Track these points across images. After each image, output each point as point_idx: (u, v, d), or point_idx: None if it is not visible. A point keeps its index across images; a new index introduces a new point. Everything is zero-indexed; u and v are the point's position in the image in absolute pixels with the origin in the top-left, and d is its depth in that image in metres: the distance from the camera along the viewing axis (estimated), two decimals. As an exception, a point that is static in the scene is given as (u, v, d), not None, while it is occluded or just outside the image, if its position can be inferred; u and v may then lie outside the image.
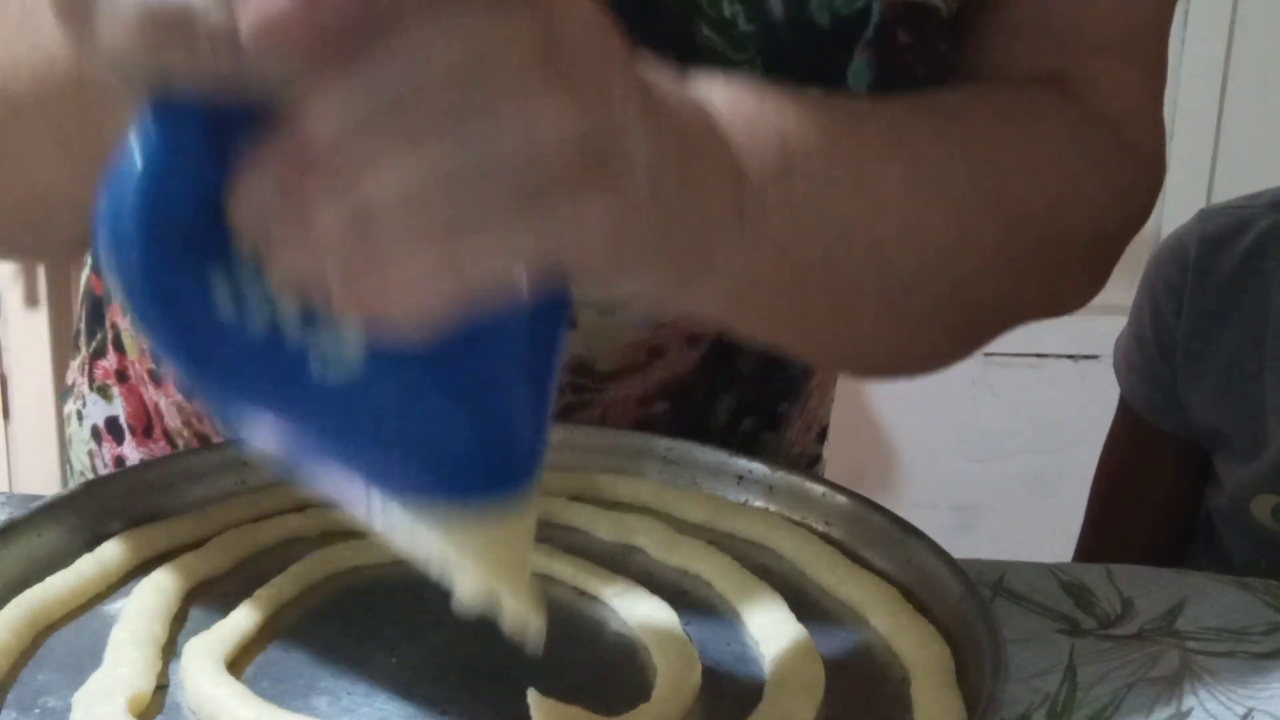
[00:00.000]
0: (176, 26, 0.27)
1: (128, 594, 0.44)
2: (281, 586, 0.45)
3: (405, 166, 0.27)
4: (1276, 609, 0.51)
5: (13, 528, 0.46)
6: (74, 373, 0.71)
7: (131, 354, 0.65)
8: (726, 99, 0.38)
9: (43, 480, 1.86)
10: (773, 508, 0.53)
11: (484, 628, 0.44)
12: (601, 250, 0.30)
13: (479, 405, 0.33)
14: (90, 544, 0.47)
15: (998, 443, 1.99)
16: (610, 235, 0.30)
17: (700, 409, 0.60)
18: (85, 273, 0.70)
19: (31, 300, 1.89)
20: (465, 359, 0.31)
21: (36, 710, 0.39)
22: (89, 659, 0.40)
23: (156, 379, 0.64)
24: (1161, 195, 0.54)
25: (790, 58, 0.49)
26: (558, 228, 0.29)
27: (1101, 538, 0.98)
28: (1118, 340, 0.97)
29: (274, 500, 0.52)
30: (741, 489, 0.54)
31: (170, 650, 0.42)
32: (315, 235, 0.28)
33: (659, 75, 0.34)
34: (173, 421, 0.64)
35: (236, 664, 0.41)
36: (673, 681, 0.40)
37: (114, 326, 0.67)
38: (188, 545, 0.48)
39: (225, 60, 0.27)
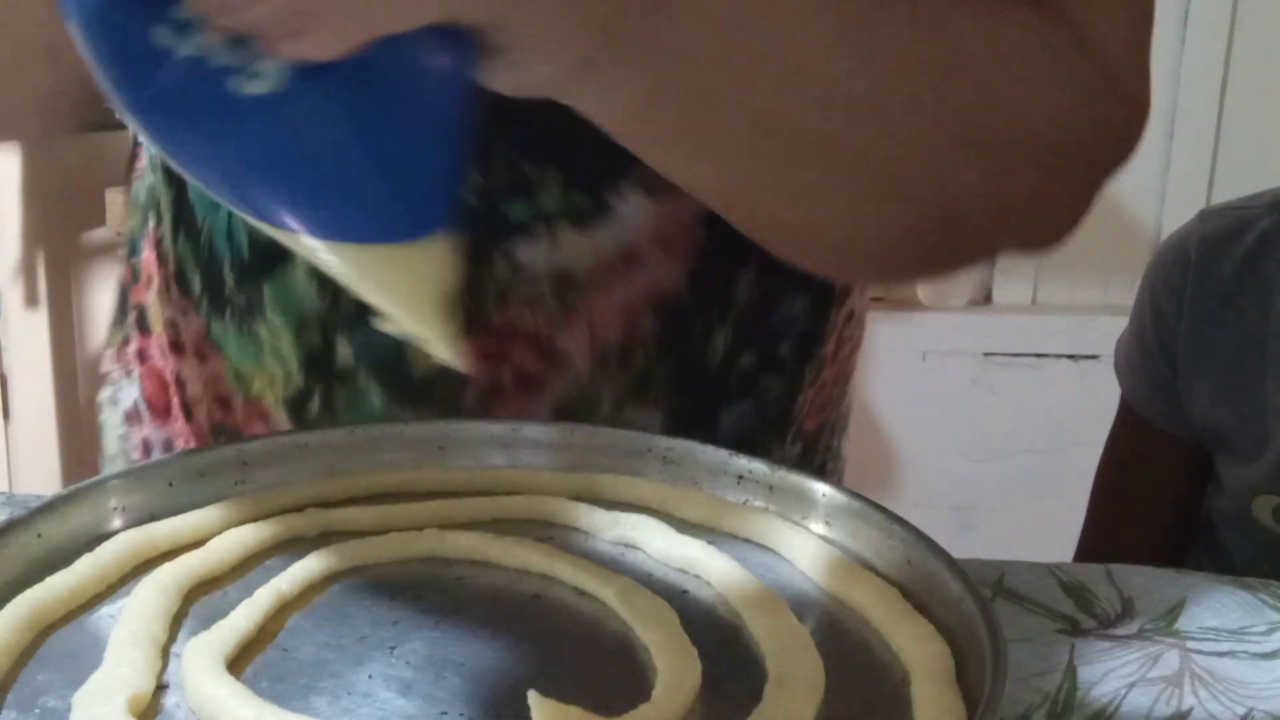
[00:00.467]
0: None
1: (128, 594, 0.44)
2: (281, 586, 0.45)
3: None
4: (1276, 609, 0.51)
5: (13, 528, 0.46)
6: (108, 362, 0.73)
7: (155, 328, 0.67)
8: None
9: (43, 480, 1.86)
10: (773, 508, 0.53)
11: (484, 628, 0.44)
12: (505, 10, 0.33)
13: (388, 146, 0.36)
14: (90, 544, 0.47)
15: (998, 443, 1.99)
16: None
17: (697, 341, 0.60)
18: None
19: (31, 300, 1.89)
20: (375, 97, 0.35)
21: (36, 710, 0.39)
22: (89, 659, 0.40)
23: (178, 346, 0.64)
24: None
25: None
26: None
27: (1102, 538, 0.98)
28: (1118, 341, 0.97)
29: (274, 500, 0.52)
30: (741, 489, 0.54)
31: (170, 650, 0.42)
32: None
33: None
34: (194, 388, 0.64)
35: (236, 664, 0.41)
36: (673, 681, 0.40)
37: (138, 308, 0.68)
38: (188, 545, 0.48)
39: None
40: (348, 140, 0.35)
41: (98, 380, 0.74)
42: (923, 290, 1.92)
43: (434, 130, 0.37)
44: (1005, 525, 1.99)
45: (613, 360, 0.58)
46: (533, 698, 0.38)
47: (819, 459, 0.69)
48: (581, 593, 0.47)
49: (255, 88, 0.33)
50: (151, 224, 0.67)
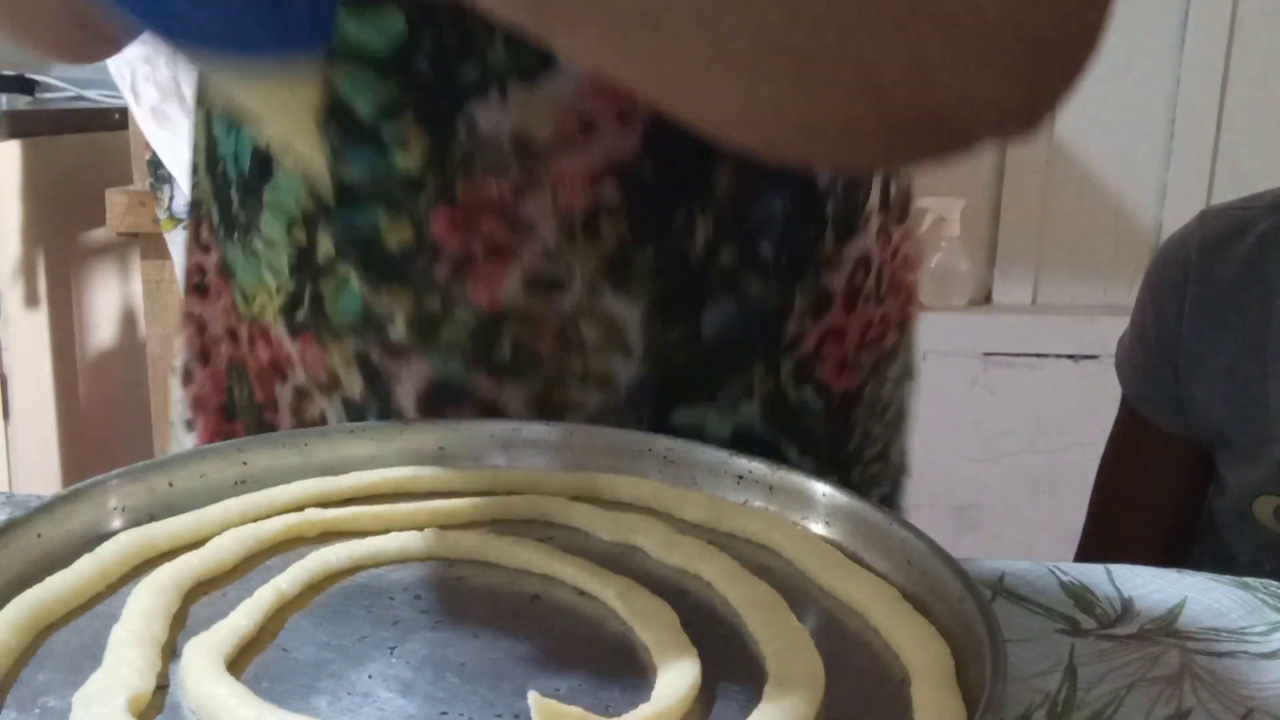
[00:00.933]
0: None
1: (128, 594, 0.44)
2: (281, 586, 0.45)
3: None
4: (1276, 609, 0.51)
5: (13, 528, 0.46)
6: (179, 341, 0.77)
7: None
8: None
9: (43, 480, 1.86)
10: (773, 508, 0.53)
11: (484, 628, 0.44)
12: None
13: None
14: (90, 544, 0.47)
15: (998, 443, 1.99)
16: None
17: (678, 232, 0.60)
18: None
19: (31, 300, 1.90)
20: None
21: (36, 710, 0.39)
22: (89, 659, 0.40)
23: (202, 289, 0.70)
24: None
25: None
26: None
27: (1102, 538, 0.98)
28: (1119, 341, 0.97)
29: (274, 500, 0.52)
30: (741, 489, 0.54)
31: (170, 650, 0.42)
32: None
33: None
34: (215, 329, 0.69)
35: (236, 664, 0.41)
36: (673, 681, 0.40)
37: (190, 271, 0.72)
38: (188, 545, 0.48)
39: None
40: None
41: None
42: (923, 291, 1.92)
43: None
44: (1005, 525, 1.99)
45: (579, 229, 0.59)
46: (533, 698, 0.38)
47: (854, 442, 0.68)
48: (581, 593, 0.47)
49: None
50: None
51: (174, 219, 1.71)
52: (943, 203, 1.94)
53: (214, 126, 0.67)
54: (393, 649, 0.42)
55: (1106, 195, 1.99)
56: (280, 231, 0.63)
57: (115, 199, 1.76)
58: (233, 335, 0.68)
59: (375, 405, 0.62)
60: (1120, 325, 0.97)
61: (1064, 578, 0.53)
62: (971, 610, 0.42)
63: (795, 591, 0.47)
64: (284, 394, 0.66)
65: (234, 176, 0.65)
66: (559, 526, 0.52)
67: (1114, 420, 0.98)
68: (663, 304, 0.60)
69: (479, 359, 0.60)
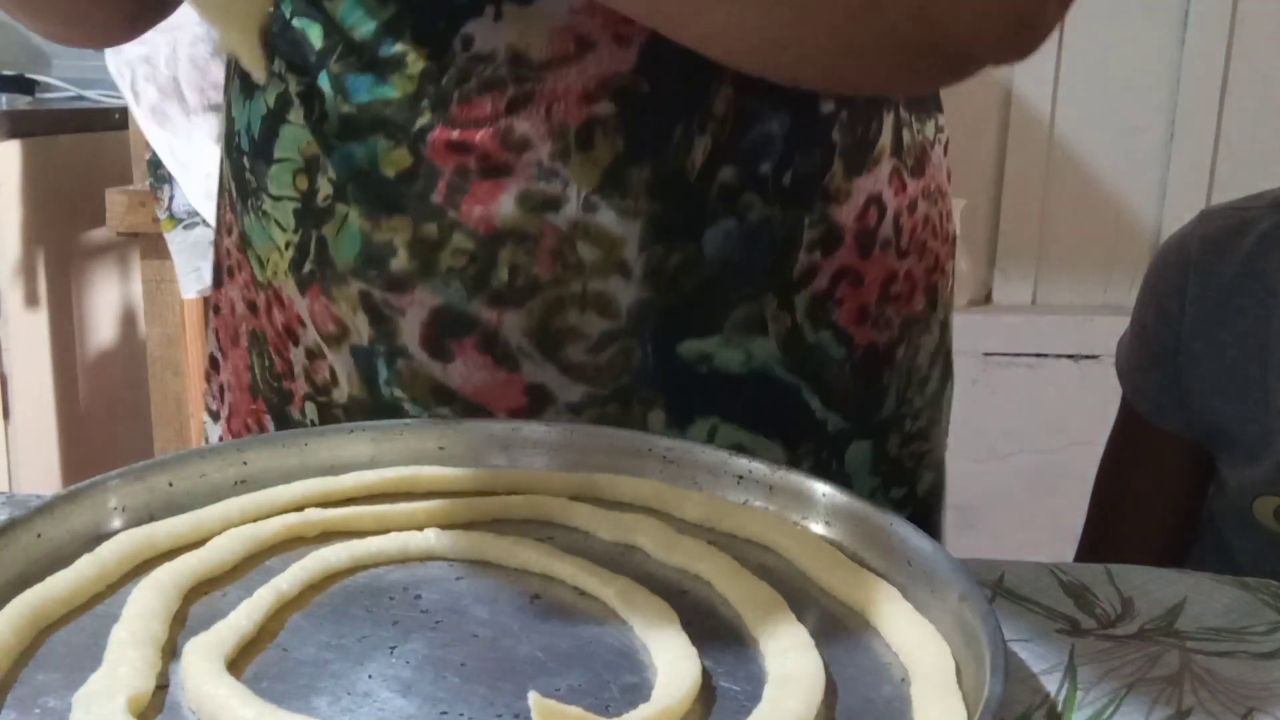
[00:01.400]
0: None
1: (128, 594, 0.44)
2: (281, 586, 0.45)
3: None
4: (1276, 609, 0.51)
5: (13, 527, 0.46)
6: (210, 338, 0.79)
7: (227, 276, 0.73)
8: None
9: (43, 480, 1.86)
10: (773, 508, 0.53)
11: (484, 628, 0.44)
12: None
13: None
14: (90, 544, 0.47)
15: (998, 443, 1.99)
16: None
17: (677, 151, 0.60)
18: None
19: (31, 300, 1.90)
20: None
21: (36, 710, 0.39)
22: (89, 659, 0.40)
23: (228, 273, 0.72)
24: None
25: None
26: None
27: (1102, 538, 0.98)
28: (1120, 341, 0.97)
29: (274, 500, 0.52)
30: (741, 489, 0.54)
31: (170, 650, 0.42)
32: None
33: None
34: (240, 308, 0.71)
35: (236, 664, 0.41)
36: (673, 681, 0.40)
37: (218, 259, 0.74)
38: (188, 545, 0.48)
39: None
40: None
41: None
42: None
43: None
44: (1005, 525, 1.99)
45: (573, 145, 0.59)
46: (533, 698, 0.38)
47: (889, 406, 0.67)
48: (581, 593, 0.47)
49: None
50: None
51: (174, 219, 1.70)
52: (943, 203, 1.94)
53: (232, 107, 0.68)
54: (393, 649, 0.42)
55: (1106, 195, 1.99)
56: (286, 183, 0.64)
57: (115, 199, 1.76)
58: (252, 307, 0.70)
59: (383, 349, 0.63)
60: (1120, 325, 0.97)
61: (1064, 578, 0.53)
62: (971, 610, 0.42)
63: (795, 591, 0.47)
64: (297, 357, 0.67)
65: (246, 146, 0.66)
66: (559, 526, 0.52)
67: (1114, 420, 0.98)
68: (661, 222, 0.60)
69: (479, 284, 0.60)
